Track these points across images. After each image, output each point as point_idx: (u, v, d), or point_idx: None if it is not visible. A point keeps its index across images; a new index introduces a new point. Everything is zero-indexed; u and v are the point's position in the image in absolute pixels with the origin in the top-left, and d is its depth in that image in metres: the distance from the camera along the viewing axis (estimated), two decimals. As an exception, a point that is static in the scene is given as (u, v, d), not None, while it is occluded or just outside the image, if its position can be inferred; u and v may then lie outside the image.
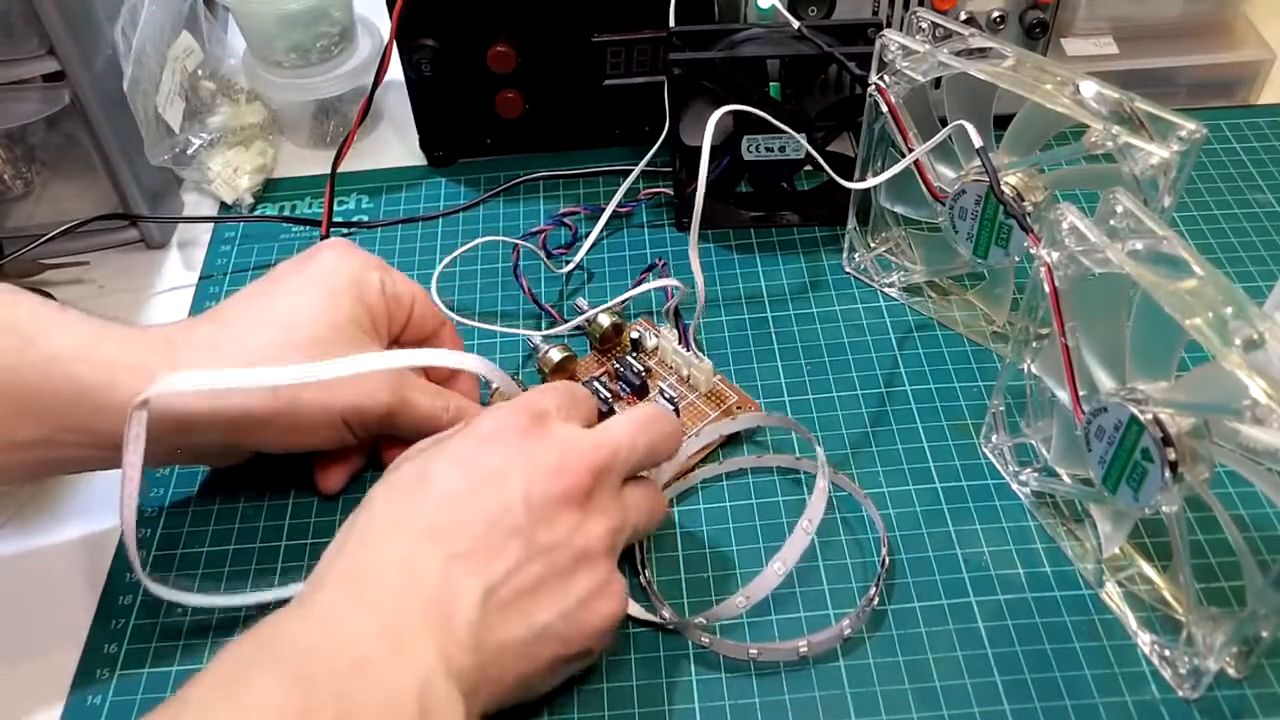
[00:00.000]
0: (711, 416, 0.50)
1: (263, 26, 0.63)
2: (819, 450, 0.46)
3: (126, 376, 0.40)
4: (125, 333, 0.42)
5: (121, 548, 0.47)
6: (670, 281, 0.50)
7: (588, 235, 0.59)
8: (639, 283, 0.56)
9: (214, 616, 0.44)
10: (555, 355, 0.51)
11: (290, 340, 0.43)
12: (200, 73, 0.65)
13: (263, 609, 0.44)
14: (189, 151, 0.61)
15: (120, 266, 0.61)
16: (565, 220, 0.60)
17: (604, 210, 0.60)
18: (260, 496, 0.49)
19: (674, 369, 0.52)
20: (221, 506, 0.49)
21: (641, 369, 0.51)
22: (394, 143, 0.68)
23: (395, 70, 0.59)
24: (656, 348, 0.53)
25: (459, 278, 0.58)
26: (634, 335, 0.53)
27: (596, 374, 0.52)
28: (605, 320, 0.53)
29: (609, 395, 0.50)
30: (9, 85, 0.54)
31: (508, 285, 0.58)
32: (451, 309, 0.55)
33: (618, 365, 0.52)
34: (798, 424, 0.49)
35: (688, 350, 0.51)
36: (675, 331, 0.52)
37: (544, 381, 0.52)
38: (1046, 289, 0.41)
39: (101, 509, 0.49)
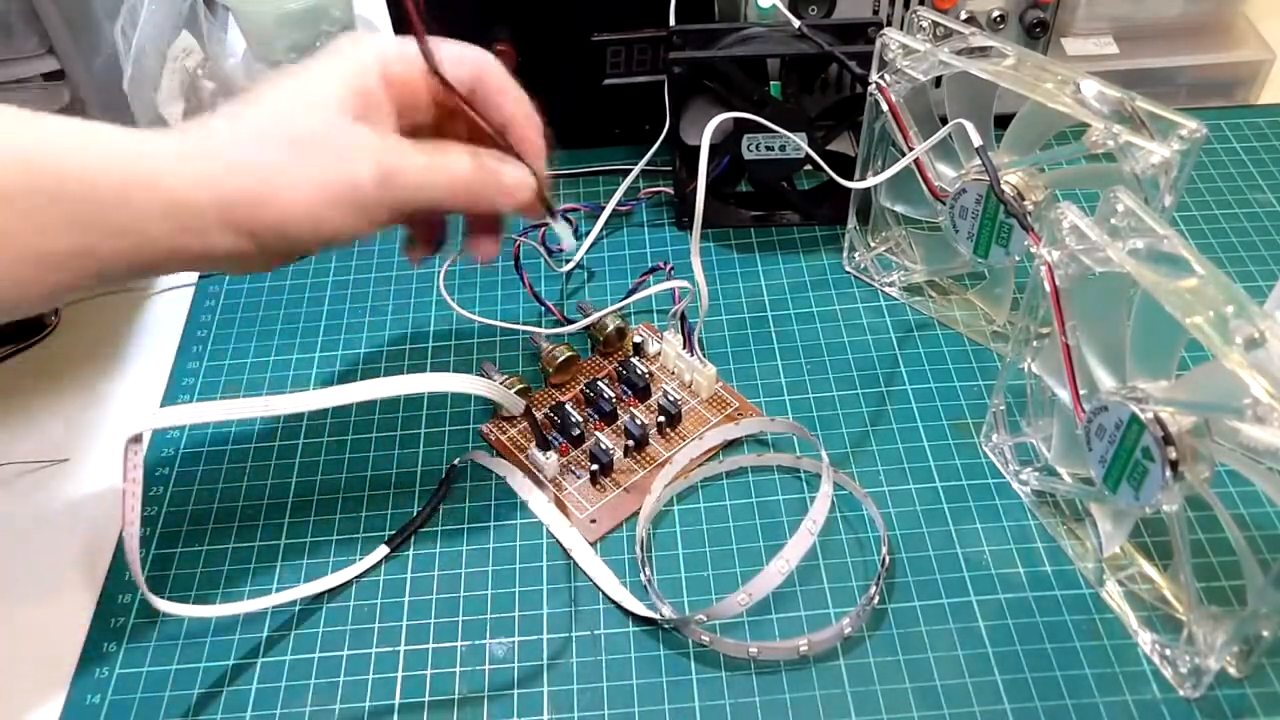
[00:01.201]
0: (713, 422, 0.50)
1: (263, 26, 0.63)
2: (823, 453, 0.46)
3: (162, 163, 0.39)
4: (136, 132, 0.41)
5: (121, 548, 0.47)
6: (678, 283, 0.50)
7: (588, 234, 0.59)
8: (640, 284, 0.56)
9: (213, 617, 0.44)
10: (560, 355, 0.51)
11: (274, 130, 0.41)
12: (200, 72, 0.65)
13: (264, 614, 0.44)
14: (189, 151, 0.61)
15: (120, 266, 0.61)
16: (566, 216, 0.60)
17: (604, 209, 0.60)
18: (260, 496, 0.49)
19: (675, 374, 0.52)
20: (221, 506, 0.49)
21: (645, 371, 0.51)
22: (394, 142, 0.68)
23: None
24: (659, 353, 0.53)
25: (459, 276, 0.58)
26: (636, 340, 0.53)
27: (599, 375, 0.52)
28: (610, 324, 0.53)
29: (612, 396, 0.50)
30: (9, 84, 0.54)
31: (509, 285, 0.58)
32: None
33: (620, 368, 0.52)
34: (802, 428, 0.49)
35: (691, 355, 0.51)
36: (679, 336, 0.52)
37: (547, 381, 0.52)
38: (1047, 288, 0.41)
39: (101, 509, 0.49)
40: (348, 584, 0.45)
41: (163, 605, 0.42)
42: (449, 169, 0.43)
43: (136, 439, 0.39)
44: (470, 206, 0.45)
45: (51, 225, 0.38)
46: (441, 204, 0.43)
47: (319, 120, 0.41)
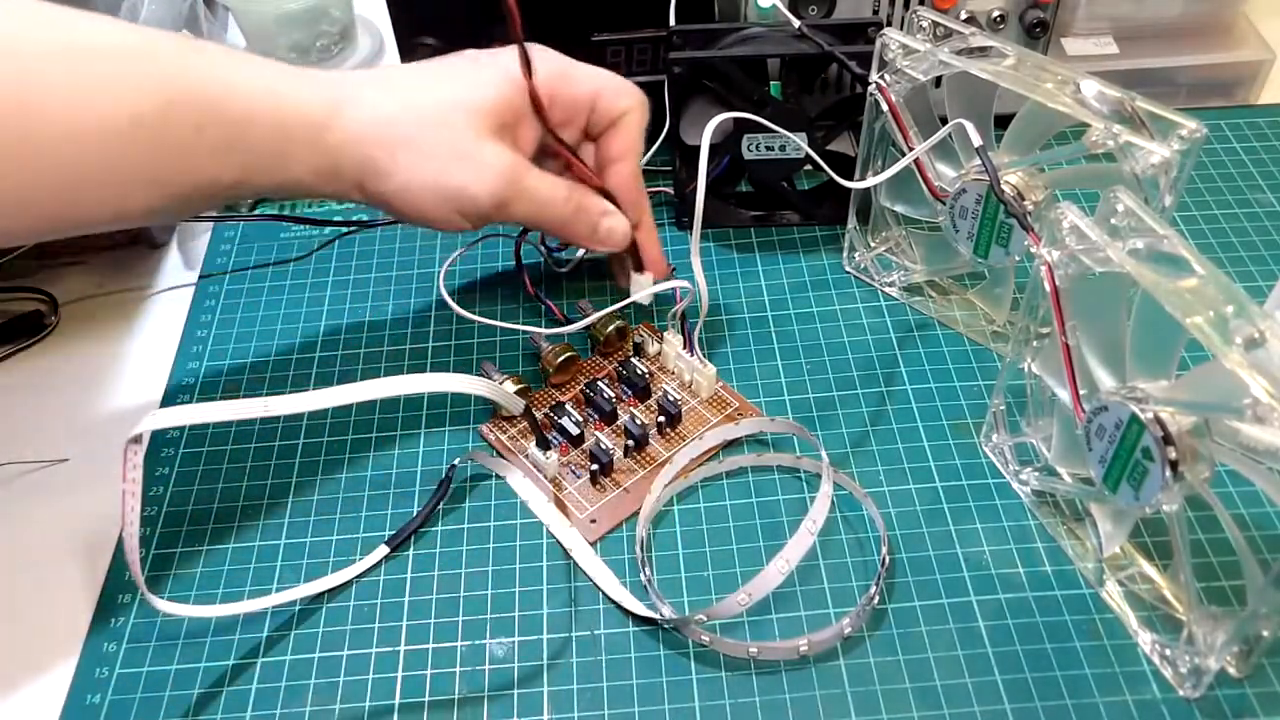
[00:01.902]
0: (713, 422, 0.50)
1: (263, 26, 0.63)
2: (823, 453, 0.46)
3: (311, 115, 0.44)
4: (299, 73, 0.45)
5: (121, 548, 0.47)
6: (680, 283, 0.50)
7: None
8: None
9: (214, 617, 0.44)
10: (559, 355, 0.51)
11: (419, 117, 0.45)
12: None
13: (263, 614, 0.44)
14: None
15: (119, 266, 0.61)
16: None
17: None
18: (260, 496, 0.49)
19: (675, 375, 0.52)
20: (221, 506, 0.49)
21: (645, 371, 0.51)
22: (394, 142, 0.68)
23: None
24: (659, 353, 0.53)
25: (460, 276, 0.58)
26: (636, 340, 0.53)
27: (599, 375, 0.52)
28: (610, 323, 0.53)
29: (612, 396, 0.50)
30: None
31: (509, 285, 0.58)
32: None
33: (620, 368, 0.52)
34: (802, 428, 0.49)
35: (691, 355, 0.51)
36: (680, 336, 0.52)
37: (547, 380, 0.52)
38: (1047, 288, 0.41)
39: (101, 509, 0.49)
40: (348, 584, 0.46)
41: (162, 605, 0.42)
42: (556, 210, 0.48)
43: (136, 440, 0.39)
44: (568, 241, 0.51)
45: (208, 151, 0.42)
46: (542, 230, 0.49)
47: (461, 122, 0.45)
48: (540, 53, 0.47)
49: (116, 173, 0.41)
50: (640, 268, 0.52)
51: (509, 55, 0.46)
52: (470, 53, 0.48)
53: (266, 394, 0.53)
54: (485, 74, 0.46)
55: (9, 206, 0.40)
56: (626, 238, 0.50)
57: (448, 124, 0.45)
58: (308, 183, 0.45)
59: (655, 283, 0.52)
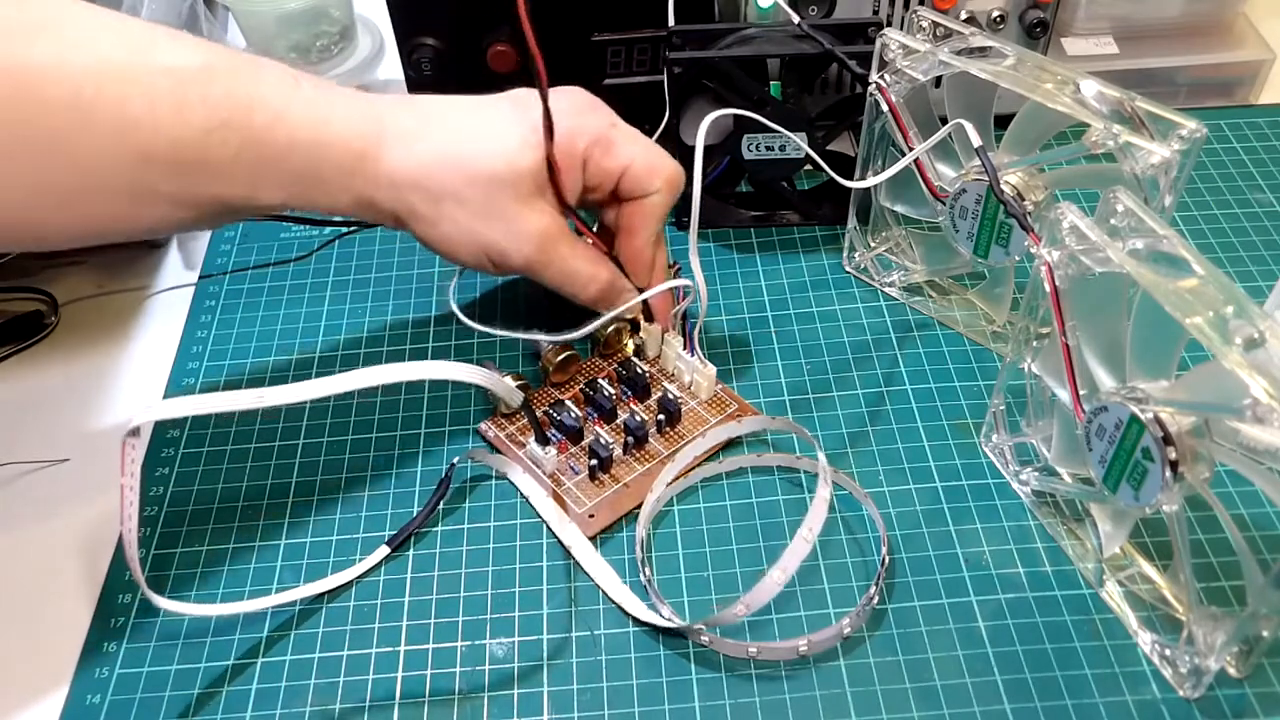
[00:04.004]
0: (713, 422, 0.50)
1: (263, 26, 0.63)
2: (821, 456, 0.46)
3: (352, 147, 0.44)
4: (346, 102, 0.45)
5: (121, 548, 0.47)
6: (680, 282, 0.50)
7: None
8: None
9: (214, 616, 0.44)
10: (559, 355, 0.51)
11: (460, 166, 0.46)
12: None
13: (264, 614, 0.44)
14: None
15: (119, 265, 0.61)
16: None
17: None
18: (260, 496, 0.49)
19: (674, 376, 0.52)
20: (221, 506, 0.49)
21: (645, 371, 0.51)
22: (394, 142, 0.68)
23: (395, 70, 0.59)
24: (659, 355, 0.53)
25: (460, 276, 0.58)
26: (636, 341, 0.53)
27: (599, 375, 0.52)
28: (611, 324, 0.53)
29: (612, 394, 0.50)
30: (9, 84, 0.54)
31: (509, 286, 0.58)
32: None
33: (621, 369, 0.52)
34: (800, 427, 0.49)
35: (691, 355, 0.51)
36: (680, 337, 0.52)
37: (547, 379, 0.52)
38: (1047, 288, 0.41)
39: (101, 509, 0.49)
40: (348, 584, 0.45)
41: (163, 603, 0.42)
42: (580, 285, 0.49)
43: (134, 433, 0.39)
44: (593, 308, 0.50)
45: (245, 174, 0.43)
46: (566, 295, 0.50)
47: (505, 182, 0.46)
48: (588, 115, 0.48)
49: (145, 189, 0.41)
50: (650, 318, 0.52)
51: (554, 104, 0.45)
52: (519, 94, 0.48)
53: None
54: (529, 131, 0.46)
55: (31, 210, 0.41)
56: (632, 310, 0.51)
57: (492, 181, 0.46)
58: (343, 208, 0.46)
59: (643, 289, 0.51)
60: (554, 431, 0.49)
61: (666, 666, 0.42)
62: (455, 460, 0.49)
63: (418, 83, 0.61)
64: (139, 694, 0.43)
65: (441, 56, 0.59)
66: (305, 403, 0.42)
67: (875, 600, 0.43)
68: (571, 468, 0.49)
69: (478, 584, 0.45)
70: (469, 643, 0.43)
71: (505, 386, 0.47)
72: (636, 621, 0.43)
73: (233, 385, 0.54)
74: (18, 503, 0.50)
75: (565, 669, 0.42)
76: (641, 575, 0.44)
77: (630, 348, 0.53)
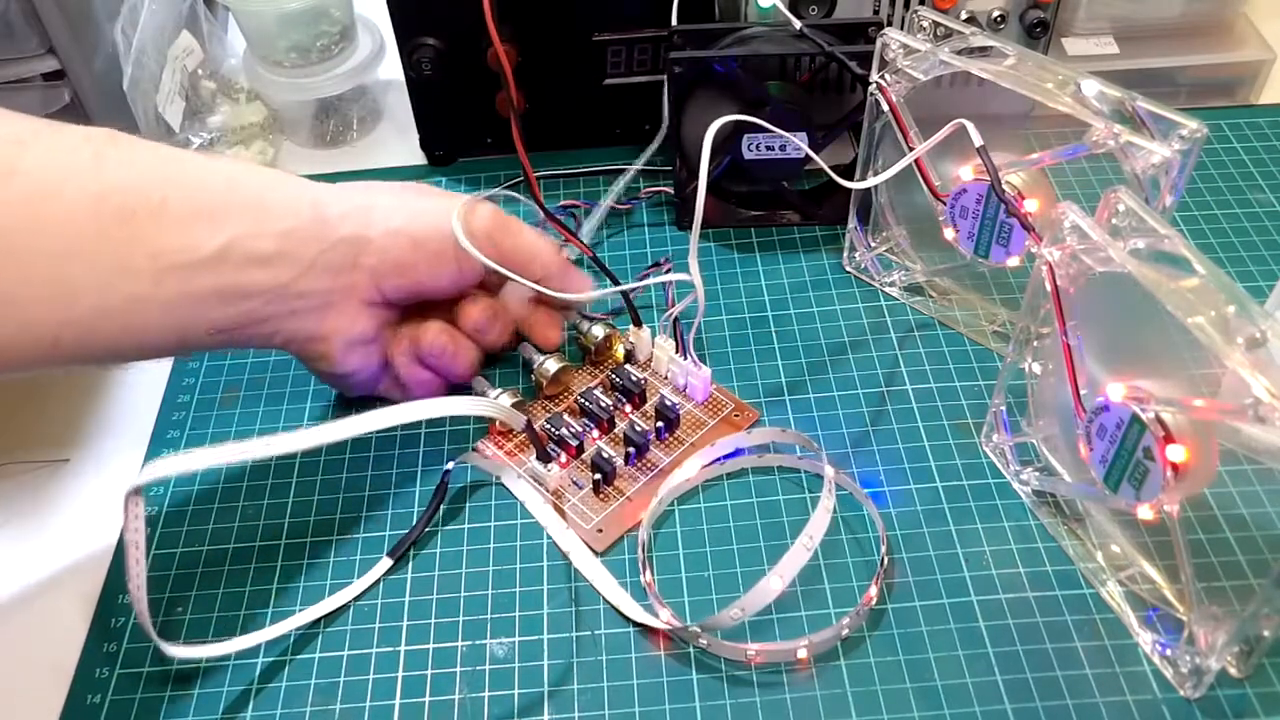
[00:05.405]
0: (709, 425, 0.50)
1: (263, 26, 0.63)
2: (828, 468, 0.45)
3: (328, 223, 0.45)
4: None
5: (121, 549, 0.47)
6: (668, 278, 0.50)
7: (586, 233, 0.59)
8: (642, 278, 0.56)
9: (231, 654, 0.44)
10: (552, 366, 0.51)
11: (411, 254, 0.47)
12: (200, 72, 0.65)
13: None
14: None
15: (120, 266, 0.60)
16: (572, 211, 0.60)
17: (600, 206, 0.59)
18: (260, 496, 0.49)
19: (668, 380, 0.52)
20: (221, 506, 0.49)
21: (639, 377, 0.51)
22: (394, 142, 0.68)
23: (395, 70, 0.59)
24: (650, 359, 0.53)
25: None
26: (625, 347, 0.52)
27: (593, 385, 0.52)
28: (599, 331, 0.52)
29: (608, 404, 0.50)
30: (9, 84, 0.54)
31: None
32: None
33: (614, 376, 0.51)
34: (808, 439, 0.48)
35: (685, 359, 0.51)
36: (672, 340, 0.52)
37: (540, 393, 0.52)
38: (1047, 288, 0.41)
39: (101, 509, 0.49)
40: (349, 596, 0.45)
41: (177, 651, 0.42)
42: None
43: (137, 491, 0.39)
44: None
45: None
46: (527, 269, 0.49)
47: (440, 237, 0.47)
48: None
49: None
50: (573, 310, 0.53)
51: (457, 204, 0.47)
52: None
53: (267, 393, 0.53)
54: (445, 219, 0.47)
55: None
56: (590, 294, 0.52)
57: (436, 240, 0.47)
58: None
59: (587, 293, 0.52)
60: (554, 447, 0.49)
61: (667, 666, 0.42)
62: (450, 464, 0.49)
63: (418, 82, 0.61)
64: (139, 694, 0.43)
65: (441, 56, 0.59)
66: (320, 446, 0.42)
67: (875, 600, 0.43)
68: (574, 482, 0.48)
69: (478, 584, 0.45)
70: (469, 643, 0.43)
71: (508, 413, 0.46)
72: (636, 622, 0.43)
73: (233, 385, 0.54)
74: (18, 503, 0.50)
75: (566, 669, 0.42)
76: (642, 578, 0.44)
77: (621, 353, 0.53)
